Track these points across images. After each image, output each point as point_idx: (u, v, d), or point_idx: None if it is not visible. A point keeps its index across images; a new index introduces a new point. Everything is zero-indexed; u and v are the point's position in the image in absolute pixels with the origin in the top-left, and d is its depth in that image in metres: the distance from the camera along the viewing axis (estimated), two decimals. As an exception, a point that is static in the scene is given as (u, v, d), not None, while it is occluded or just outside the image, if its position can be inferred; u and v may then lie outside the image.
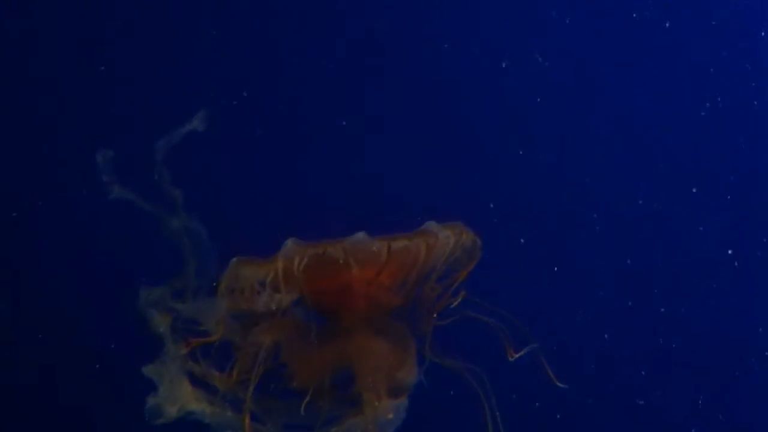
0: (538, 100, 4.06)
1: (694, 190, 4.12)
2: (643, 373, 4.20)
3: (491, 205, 3.98)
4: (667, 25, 4.09)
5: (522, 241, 4.03)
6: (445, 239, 2.51)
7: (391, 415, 2.48)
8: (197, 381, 2.51)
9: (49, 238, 3.89)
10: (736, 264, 4.14)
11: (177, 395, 2.46)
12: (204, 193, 2.61)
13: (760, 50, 4.14)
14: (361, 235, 2.40)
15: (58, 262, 3.91)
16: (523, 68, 4.04)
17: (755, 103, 4.09)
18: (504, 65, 4.03)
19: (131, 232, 3.15)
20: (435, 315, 2.58)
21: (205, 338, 2.49)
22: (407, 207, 3.68)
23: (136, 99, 3.81)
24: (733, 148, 4.14)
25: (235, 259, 2.47)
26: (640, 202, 4.12)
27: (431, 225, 2.51)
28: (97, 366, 3.99)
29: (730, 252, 4.15)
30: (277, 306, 2.43)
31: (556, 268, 4.08)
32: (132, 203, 2.51)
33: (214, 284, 2.47)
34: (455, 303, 2.57)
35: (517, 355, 2.61)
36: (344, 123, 3.90)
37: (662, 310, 4.16)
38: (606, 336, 4.16)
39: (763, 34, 4.13)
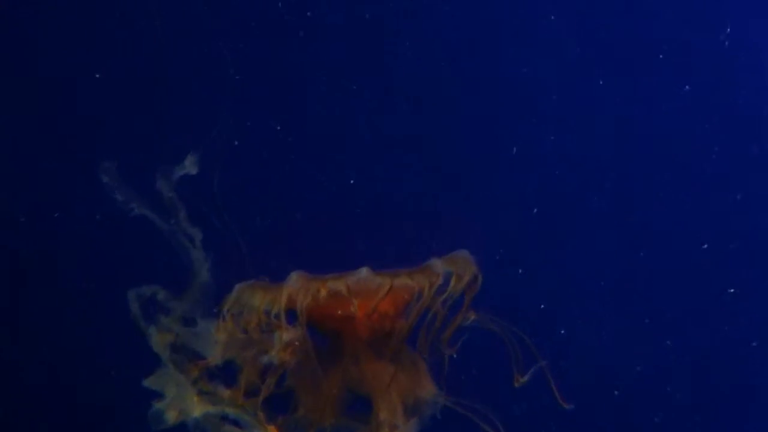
0: (552, 138, 4.08)
1: (705, 246, 4.14)
2: (655, 419, 4.23)
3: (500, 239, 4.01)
4: (687, 88, 4.12)
5: (538, 304, 4.07)
6: (447, 277, 2.54)
7: None
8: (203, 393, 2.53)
9: (58, 247, 3.92)
10: (738, 301, 4.17)
11: (183, 401, 2.48)
12: (211, 213, 2.63)
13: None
14: (364, 272, 2.43)
15: (63, 268, 3.93)
16: (537, 106, 4.07)
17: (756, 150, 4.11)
18: (521, 104, 4.06)
19: (142, 245, 3.15)
20: (442, 340, 2.60)
21: (207, 361, 2.51)
22: (418, 231, 3.70)
23: (152, 114, 3.84)
24: (738, 192, 4.16)
25: (240, 285, 2.51)
26: (642, 254, 4.15)
27: (435, 263, 2.54)
28: (102, 392, 4.01)
29: (731, 291, 4.18)
30: (282, 346, 2.46)
31: (562, 330, 4.11)
32: (145, 218, 2.54)
33: (216, 309, 2.50)
34: (470, 320, 2.60)
35: (523, 379, 2.63)
36: (353, 171, 3.93)
37: (668, 342, 4.18)
38: (615, 391, 4.20)
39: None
